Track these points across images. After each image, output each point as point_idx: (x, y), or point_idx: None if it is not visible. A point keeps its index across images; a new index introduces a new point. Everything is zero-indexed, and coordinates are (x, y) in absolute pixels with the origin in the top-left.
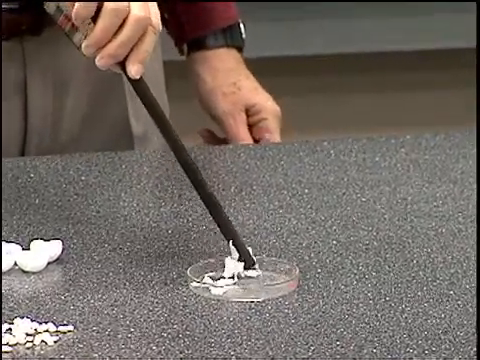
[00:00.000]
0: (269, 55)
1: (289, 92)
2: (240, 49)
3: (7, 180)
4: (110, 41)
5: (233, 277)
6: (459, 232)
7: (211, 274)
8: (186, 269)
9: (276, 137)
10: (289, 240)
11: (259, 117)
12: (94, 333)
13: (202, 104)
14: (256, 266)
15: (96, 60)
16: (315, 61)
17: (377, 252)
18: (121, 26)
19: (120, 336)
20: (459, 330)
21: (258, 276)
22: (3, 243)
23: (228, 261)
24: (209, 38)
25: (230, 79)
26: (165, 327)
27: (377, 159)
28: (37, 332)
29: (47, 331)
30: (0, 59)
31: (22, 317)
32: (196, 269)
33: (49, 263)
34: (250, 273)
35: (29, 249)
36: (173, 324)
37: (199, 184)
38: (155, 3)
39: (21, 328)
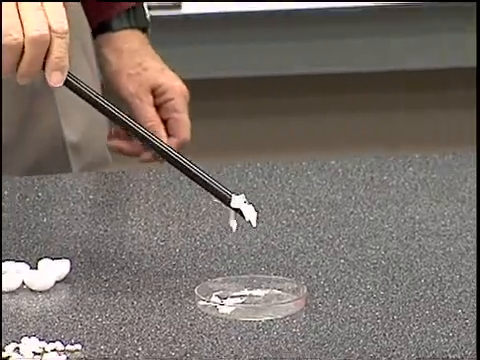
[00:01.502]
0: (277, 74)
1: (297, 111)
2: (145, 30)
3: (15, 199)
4: (19, 64)
5: (241, 296)
6: (467, 251)
7: (219, 293)
8: (194, 288)
9: (184, 117)
10: (297, 259)
11: (165, 97)
12: (102, 352)
13: (109, 86)
14: (237, 200)
15: (17, 80)
16: (324, 80)
17: (385, 271)
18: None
19: (128, 355)
20: (467, 349)
21: (266, 295)
22: (11, 262)
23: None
24: (114, 21)
25: (135, 60)
26: (173, 346)
27: (385, 178)
28: (45, 351)
29: (55, 350)
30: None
31: (30, 336)
32: (204, 288)
33: (57, 282)
34: (258, 292)
35: (37, 268)
36: (181, 343)
37: (166, 148)
38: (55, 3)
39: (29, 347)
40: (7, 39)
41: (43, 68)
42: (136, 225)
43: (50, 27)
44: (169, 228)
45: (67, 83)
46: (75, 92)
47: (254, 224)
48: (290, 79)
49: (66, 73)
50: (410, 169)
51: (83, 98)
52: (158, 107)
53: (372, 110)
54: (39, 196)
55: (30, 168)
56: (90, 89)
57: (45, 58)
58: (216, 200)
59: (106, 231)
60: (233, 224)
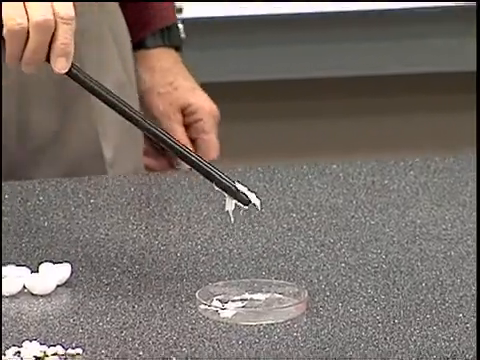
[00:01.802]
0: (279, 78)
1: (298, 115)
2: (178, 49)
3: (16, 203)
4: (23, 50)
5: (242, 300)
6: (468, 255)
7: (220, 297)
8: (195, 292)
9: (212, 137)
10: (298, 263)
11: (195, 117)
12: (103, 356)
13: (141, 104)
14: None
15: (22, 68)
16: (325, 84)
17: (386, 275)
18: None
19: (129, 359)
20: (468, 353)
21: (267, 299)
22: (12, 266)
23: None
24: (148, 38)
25: (167, 79)
26: (174, 350)
27: (386, 182)
28: (46, 355)
29: (56, 354)
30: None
31: (31, 340)
32: (205, 292)
33: (58, 286)
34: (259, 296)
35: (38, 272)
36: (182, 347)
37: (169, 139)
38: None
39: (30, 351)
40: (11, 24)
41: (48, 57)
42: (137, 229)
43: (55, 13)
44: (170, 232)
45: (71, 74)
46: (79, 83)
47: (259, 207)
48: (291, 83)
49: (71, 59)
50: (411, 173)
51: (87, 89)
52: (187, 126)
53: (373, 114)
54: (40, 200)
55: (66, 172)
56: (94, 81)
57: (50, 46)
58: (218, 188)
59: (107, 235)
60: (230, 207)
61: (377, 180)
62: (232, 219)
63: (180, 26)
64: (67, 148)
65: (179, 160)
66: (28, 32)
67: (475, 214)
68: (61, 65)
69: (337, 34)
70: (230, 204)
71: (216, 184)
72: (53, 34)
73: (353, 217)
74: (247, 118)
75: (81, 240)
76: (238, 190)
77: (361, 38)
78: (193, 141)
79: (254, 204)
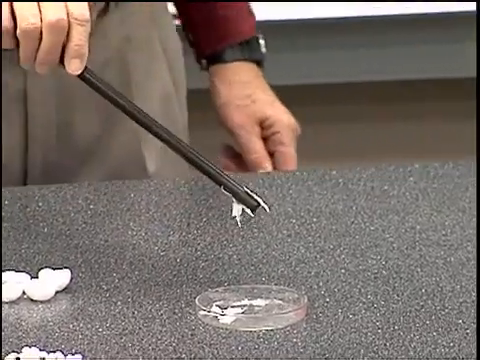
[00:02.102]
0: (277, 84)
1: (297, 121)
2: (258, 62)
3: (15, 209)
4: (37, 51)
5: (241, 306)
6: (468, 261)
7: (219, 303)
8: (194, 298)
9: (290, 150)
10: (297, 269)
11: (273, 130)
12: None
13: (218, 117)
14: (261, 202)
15: (36, 69)
16: (323, 90)
17: (386, 281)
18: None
19: None
20: (467, 359)
21: (266, 305)
22: (12, 272)
23: (234, 205)
24: (226, 52)
25: (245, 91)
26: (173, 356)
27: (386, 188)
28: None
29: None
30: (0, 67)
31: (30, 346)
32: (204, 298)
33: (57, 292)
34: (258, 302)
35: (37, 278)
36: (181, 353)
37: (178, 143)
38: None
39: (29, 357)
40: (24, 24)
41: (62, 58)
42: (137, 235)
43: (70, 14)
44: (170, 238)
45: (84, 77)
46: (91, 86)
47: (267, 210)
48: (290, 89)
49: (85, 61)
50: (411, 179)
51: (100, 93)
52: (265, 139)
53: (372, 120)
54: (40, 206)
55: (108, 179)
56: (106, 84)
57: (64, 47)
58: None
59: (107, 241)
60: (237, 213)
61: (377, 186)
62: (239, 224)
63: (261, 41)
64: (109, 154)
65: (265, 164)
66: (41, 32)
67: (475, 220)
68: (75, 66)
69: (329, 40)
70: (237, 210)
71: (224, 188)
72: (67, 35)
73: (353, 223)
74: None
75: (81, 246)
76: (248, 194)
77: (356, 44)
78: (271, 154)
79: (264, 208)
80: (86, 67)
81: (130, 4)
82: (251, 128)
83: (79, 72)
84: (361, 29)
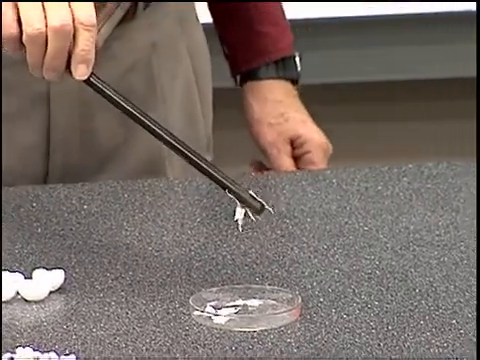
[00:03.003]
0: None
1: None
2: (294, 81)
3: (9, 209)
4: (44, 57)
5: (235, 306)
6: (461, 261)
7: (213, 303)
8: (188, 298)
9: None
10: (291, 269)
11: (303, 149)
12: None
13: (251, 134)
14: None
15: (44, 76)
16: (319, 90)
17: (379, 281)
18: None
19: None
20: (462, 359)
21: (260, 305)
22: (5, 272)
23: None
24: (261, 69)
25: (278, 110)
26: (167, 356)
27: (379, 188)
28: None
29: None
30: (0, 66)
31: (24, 346)
32: (198, 298)
33: (51, 292)
34: (252, 302)
35: (31, 278)
36: (175, 353)
37: (182, 146)
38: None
39: (23, 357)
40: (29, 29)
41: (68, 63)
42: (130, 235)
43: (75, 18)
44: (164, 238)
45: (91, 83)
46: (98, 91)
47: (271, 211)
48: None
49: (91, 67)
50: (404, 179)
51: (106, 98)
52: (296, 158)
53: (367, 120)
54: (33, 206)
55: (131, 177)
56: (114, 91)
57: (70, 52)
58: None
59: (100, 241)
60: (240, 216)
61: (370, 186)
62: (240, 229)
63: (297, 59)
64: (130, 158)
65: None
66: (47, 36)
67: (468, 220)
68: (81, 72)
69: (329, 40)
70: (240, 213)
71: (229, 192)
72: (73, 40)
73: (347, 223)
74: (241, 124)
75: (74, 246)
76: (253, 198)
77: (356, 44)
78: None
79: (269, 211)
80: (92, 72)
81: (158, 10)
82: (282, 146)
83: (85, 77)
84: (359, 29)
